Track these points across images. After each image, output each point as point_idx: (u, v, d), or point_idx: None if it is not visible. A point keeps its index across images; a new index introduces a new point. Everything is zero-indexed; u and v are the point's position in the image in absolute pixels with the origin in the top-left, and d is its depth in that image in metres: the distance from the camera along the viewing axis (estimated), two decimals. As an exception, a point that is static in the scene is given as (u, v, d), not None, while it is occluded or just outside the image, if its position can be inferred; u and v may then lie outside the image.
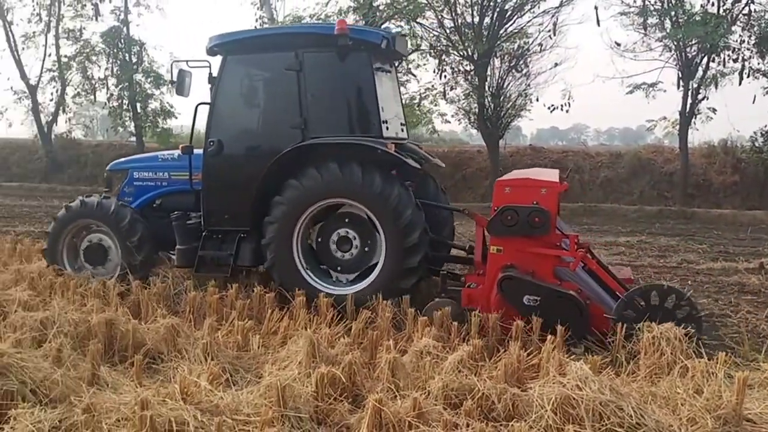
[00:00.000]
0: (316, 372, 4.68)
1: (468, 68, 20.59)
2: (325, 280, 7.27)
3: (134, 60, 24.24)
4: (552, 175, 7.23)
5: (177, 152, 8.14)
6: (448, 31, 20.36)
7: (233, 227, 7.53)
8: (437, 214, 7.89)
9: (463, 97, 21.31)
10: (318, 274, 7.26)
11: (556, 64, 20.16)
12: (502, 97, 20.52)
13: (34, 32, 25.43)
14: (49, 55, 25.47)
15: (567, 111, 20.43)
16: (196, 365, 5.17)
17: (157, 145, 24.75)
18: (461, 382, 4.60)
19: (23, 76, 25.70)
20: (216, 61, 7.57)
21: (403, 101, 21.12)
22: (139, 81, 24.20)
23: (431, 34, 21.01)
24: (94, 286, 7.07)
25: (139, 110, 24.35)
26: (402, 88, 21.99)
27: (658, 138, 27.99)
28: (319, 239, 7.29)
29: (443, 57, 20.78)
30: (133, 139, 25.35)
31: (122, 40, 24.02)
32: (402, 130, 8.11)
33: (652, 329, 5.59)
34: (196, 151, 7.77)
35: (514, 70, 20.46)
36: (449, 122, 22.04)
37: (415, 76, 22.21)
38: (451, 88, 21.29)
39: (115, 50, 24.04)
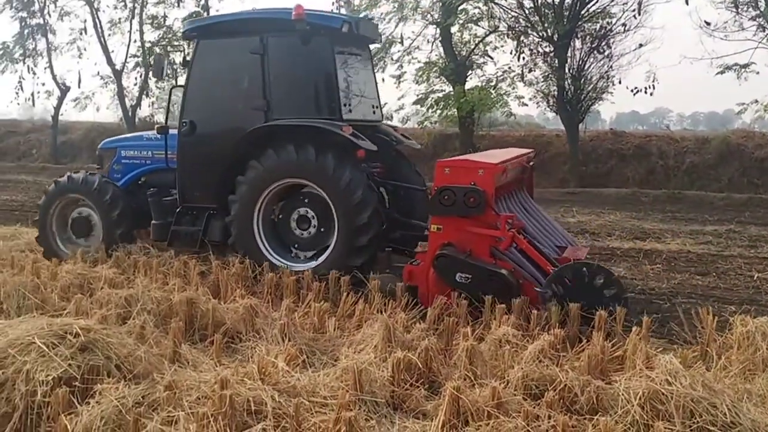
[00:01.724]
0: (393, 357, 4.64)
1: (547, 50, 20.05)
2: (285, 256, 7.57)
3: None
4: (501, 156, 7.35)
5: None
6: (527, 11, 19.87)
7: (204, 204, 7.93)
8: (412, 196, 8.08)
9: (542, 80, 20.78)
10: (279, 251, 7.56)
11: (640, 45, 19.40)
12: (582, 80, 19.88)
13: (119, 18, 26.27)
14: (134, 41, 26.16)
15: (651, 94, 19.63)
16: (274, 346, 5.20)
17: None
18: (542, 373, 4.46)
19: (109, 62, 26.59)
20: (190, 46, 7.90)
21: (481, 83, 21.25)
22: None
23: (509, 15, 20.56)
24: (175, 266, 7.21)
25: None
26: (479, 71, 21.82)
27: (745, 123, 26.62)
28: (281, 216, 7.62)
29: (521, 38, 20.30)
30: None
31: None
32: (374, 113, 8.36)
33: (746, 323, 5.28)
34: (171, 131, 8.22)
35: (595, 52, 19.77)
36: (526, 105, 21.57)
37: (491, 58, 21.84)
38: (530, 70, 20.79)
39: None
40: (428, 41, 21.92)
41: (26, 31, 28.06)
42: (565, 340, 5.28)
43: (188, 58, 7.98)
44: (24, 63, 28.21)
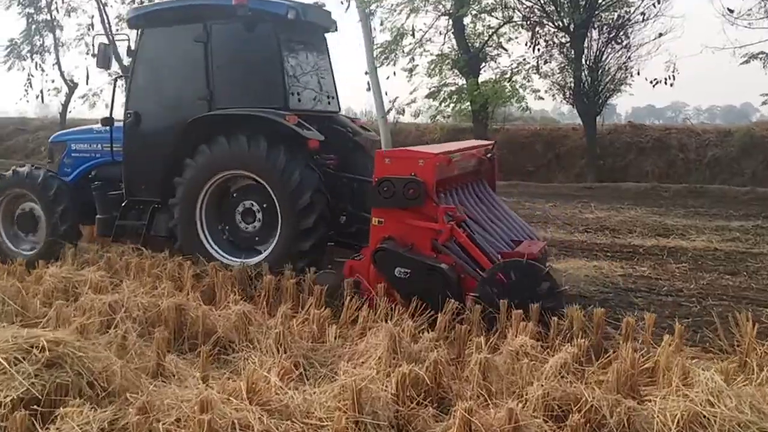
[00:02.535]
0: (397, 371, 4.13)
1: (563, 40, 19.50)
2: (227, 249, 7.32)
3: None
4: (450, 147, 7.14)
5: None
6: (542, 1, 19.26)
7: (149, 198, 7.71)
8: (367, 188, 7.59)
9: (558, 72, 20.24)
10: (229, 248, 7.34)
11: (660, 35, 18.76)
12: (600, 71, 19.30)
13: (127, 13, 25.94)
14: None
15: (671, 84, 18.97)
16: (268, 357, 4.72)
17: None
18: (565, 391, 3.94)
19: (117, 58, 26.19)
20: (135, 35, 7.70)
21: (495, 76, 20.69)
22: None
23: (524, 5, 19.99)
24: (169, 269, 6.75)
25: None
26: (492, 63, 21.26)
27: (764, 116, 25.77)
28: (226, 212, 7.37)
29: (537, 29, 19.71)
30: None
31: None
32: (329, 103, 8.17)
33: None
34: (118, 123, 8.00)
35: (613, 42, 19.18)
36: (542, 98, 21.04)
37: (506, 50, 21.28)
38: (545, 62, 20.29)
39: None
40: (440, 33, 21.42)
41: (33, 27, 27.83)
42: (589, 350, 4.76)
43: (132, 48, 7.80)
44: (32, 59, 27.97)
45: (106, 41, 8.07)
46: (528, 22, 19.91)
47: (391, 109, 21.68)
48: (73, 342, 4.13)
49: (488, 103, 19.63)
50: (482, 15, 20.82)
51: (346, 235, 7.39)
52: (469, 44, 20.89)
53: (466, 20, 20.69)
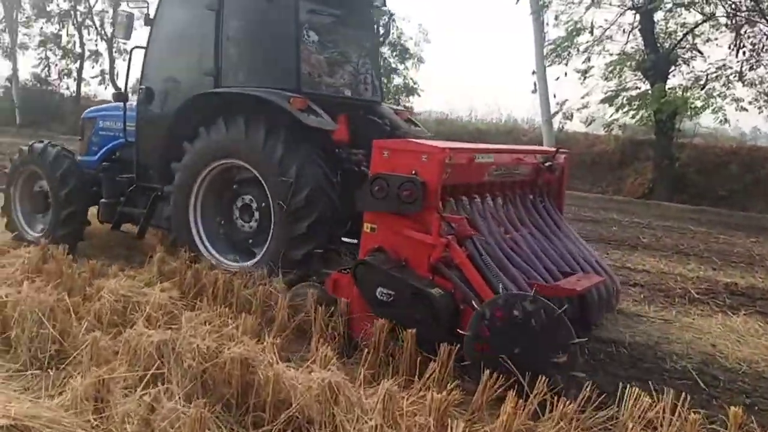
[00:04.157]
0: None
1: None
2: (219, 247, 6.49)
3: (381, 32, 23.11)
4: (481, 146, 6.37)
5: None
6: (755, -5, 16.18)
7: (158, 184, 6.91)
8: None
9: (768, 80, 16.99)
10: (224, 247, 6.51)
11: None
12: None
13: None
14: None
15: None
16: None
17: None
18: None
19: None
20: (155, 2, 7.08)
21: (687, 82, 17.81)
22: (384, 54, 23.06)
23: (728, 1, 16.92)
24: (260, 292, 5.21)
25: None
26: (684, 67, 18.31)
27: None
28: (224, 207, 6.57)
29: (744, 28, 16.60)
30: (375, 117, 24.31)
31: (372, 10, 22.91)
32: (367, 90, 7.29)
33: None
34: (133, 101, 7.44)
35: None
36: (746, 110, 17.80)
37: (701, 53, 18.22)
38: (751, 68, 17.07)
39: (363, 20, 23.09)
40: (624, 30, 18.75)
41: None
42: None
43: (151, 16, 7.05)
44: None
45: (129, 10, 7.42)
46: (733, 21, 16.82)
47: (557, 113, 19.42)
48: (60, 419, 2.64)
49: (677, 113, 16.80)
50: (677, 10, 17.96)
51: None
52: (658, 44, 18.11)
53: (658, 15, 17.97)
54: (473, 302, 4.52)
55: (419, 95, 23.25)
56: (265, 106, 5.96)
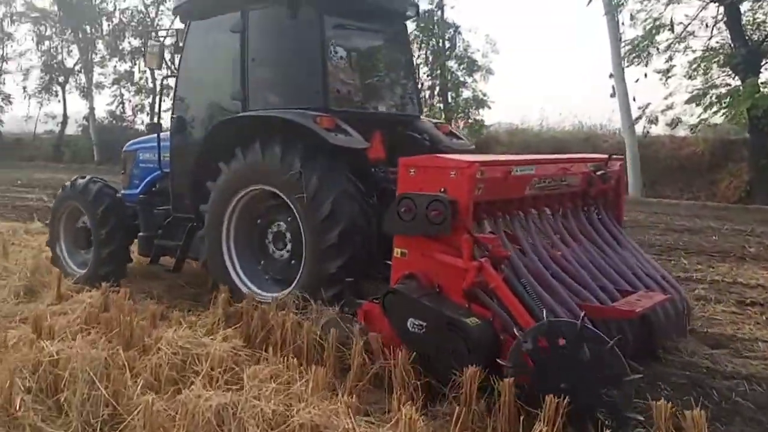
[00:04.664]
0: None
1: None
2: (264, 283, 6.12)
3: (447, 45, 22.64)
4: (515, 157, 5.74)
5: None
6: None
7: (193, 213, 6.63)
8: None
9: None
10: (251, 274, 6.18)
11: None
12: None
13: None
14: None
15: None
16: None
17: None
18: None
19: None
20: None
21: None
22: (452, 68, 22.52)
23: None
24: (332, 340, 4.63)
25: (450, 100, 22.67)
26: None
27: None
28: (259, 233, 6.26)
29: None
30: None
31: (435, 25, 22.45)
32: (404, 105, 7.04)
33: None
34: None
35: None
36: None
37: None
38: None
39: (428, 35, 22.61)
40: (706, 25, 17.56)
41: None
42: None
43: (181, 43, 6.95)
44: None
45: (158, 39, 7.24)
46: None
47: (640, 118, 18.39)
48: None
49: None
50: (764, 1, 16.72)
51: None
52: (746, 37, 16.85)
53: (744, 6, 16.73)
54: (514, 330, 4.08)
55: (489, 107, 22.61)
56: (289, 128, 5.70)
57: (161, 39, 7.30)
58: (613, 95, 18.50)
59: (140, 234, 7.15)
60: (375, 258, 5.55)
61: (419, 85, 23.89)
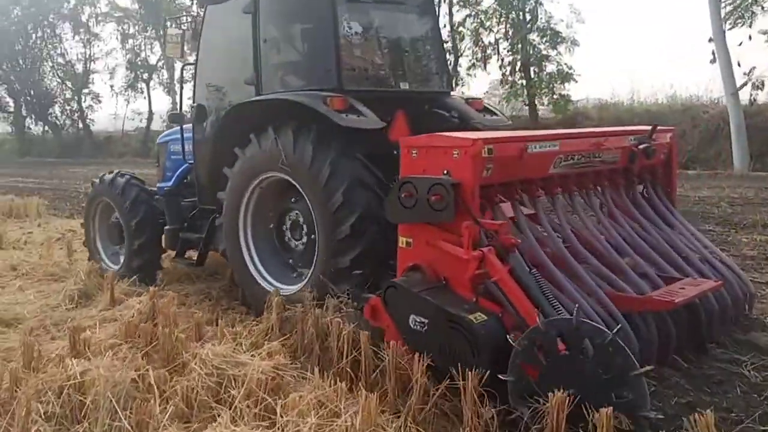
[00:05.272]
0: None
1: None
2: (283, 274, 5.86)
3: (528, 18, 21.47)
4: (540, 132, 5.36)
5: None
6: None
7: (216, 204, 6.37)
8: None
9: None
10: (277, 267, 5.93)
11: None
12: None
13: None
14: (443, 26, 24.16)
15: None
16: None
17: (553, 116, 21.71)
18: None
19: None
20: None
21: None
22: (534, 41, 21.33)
23: None
24: (390, 359, 3.97)
25: (532, 75, 21.52)
26: None
27: None
28: (275, 222, 6.04)
29: None
30: (526, 109, 22.58)
31: (516, -4, 21.37)
32: (431, 81, 6.65)
33: None
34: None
35: None
36: None
37: None
38: None
39: (507, 8, 21.50)
40: (821, -23, 15.83)
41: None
42: None
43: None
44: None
45: (180, 27, 7.10)
46: None
47: (745, 84, 16.83)
48: None
49: None
50: None
51: None
52: None
53: None
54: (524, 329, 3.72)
55: (576, 81, 21.28)
56: (299, 111, 5.39)
57: (183, 27, 7.13)
58: (713, 61, 17.01)
59: (166, 227, 7.05)
60: (395, 247, 5.00)
61: (500, 61, 22.93)
